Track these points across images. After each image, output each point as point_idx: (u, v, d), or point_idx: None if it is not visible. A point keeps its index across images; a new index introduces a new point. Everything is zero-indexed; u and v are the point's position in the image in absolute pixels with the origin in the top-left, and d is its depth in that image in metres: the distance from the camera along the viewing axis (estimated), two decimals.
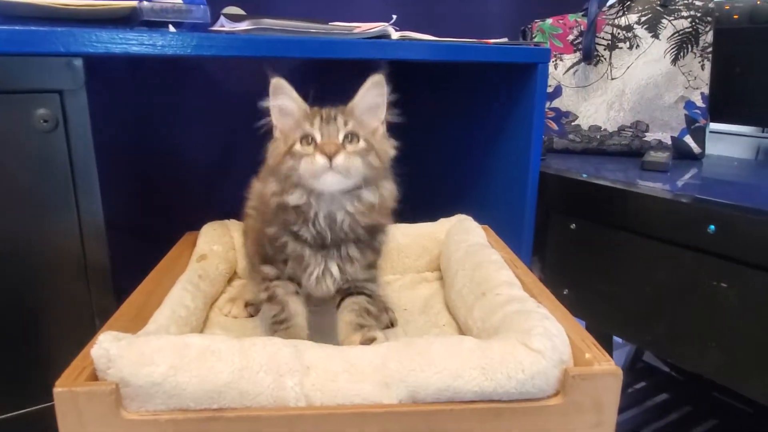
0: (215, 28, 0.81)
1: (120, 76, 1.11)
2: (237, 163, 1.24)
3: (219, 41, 0.69)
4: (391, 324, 0.76)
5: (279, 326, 0.65)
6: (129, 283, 0.67)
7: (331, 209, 0.63)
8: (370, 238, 0.67)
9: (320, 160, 0.59)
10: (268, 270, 0.68)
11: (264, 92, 0.64)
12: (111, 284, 0.68)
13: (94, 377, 0.49)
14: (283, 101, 0.63)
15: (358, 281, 0.68)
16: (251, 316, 0.78)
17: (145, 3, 0.70)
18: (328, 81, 1.30)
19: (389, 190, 0.66)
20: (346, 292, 0.69)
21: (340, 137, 0.61)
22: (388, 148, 0.65)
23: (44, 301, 0.66)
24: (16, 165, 0.62)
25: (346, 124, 0.61)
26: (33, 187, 0.63)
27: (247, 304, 0.78)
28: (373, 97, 0.64)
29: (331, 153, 0.59)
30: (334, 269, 0.66)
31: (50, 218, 0.64)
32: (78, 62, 0.62)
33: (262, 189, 0.67)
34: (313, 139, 0.60)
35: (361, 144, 0.61)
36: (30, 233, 0.64)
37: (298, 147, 0.61)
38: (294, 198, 0.62)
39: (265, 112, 0.65)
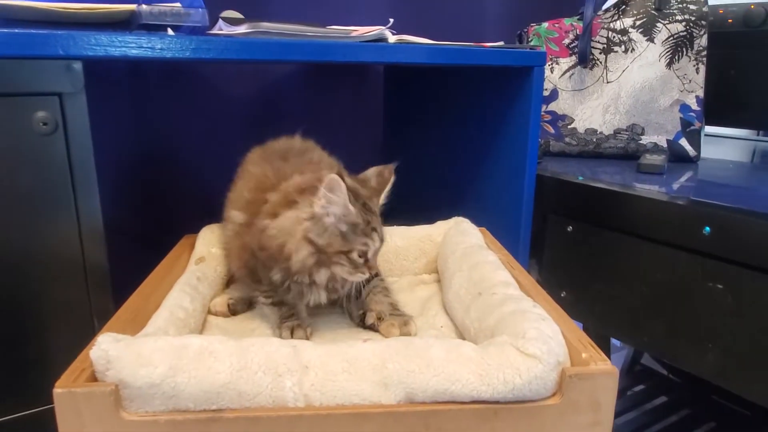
0: (213, 31, 0.81)
1: (119, 80, 1.12)
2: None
3: (217, 44, 0.69)
4: (380, 319, 0.75)
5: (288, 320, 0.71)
6: (128, 286, 0.67)
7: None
8: None
9: (368, 275, 0.69)
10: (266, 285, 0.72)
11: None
12: (110, 286, 0.69)
13: (93, 378, 0.49)
14: (340, 208, 0.64)
15: None
16: (234, 314, 0.77)
17: (144, 6, 0.71)
18: (325, 84, 1.32)
19: None
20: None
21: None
22: None
23: (43, 303, 0.66)
24: (15, 168, 0.62)
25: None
26: (32, 190, 0.63)
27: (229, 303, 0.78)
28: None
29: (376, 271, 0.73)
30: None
31: (49, 221, 0.64)
32: (77, 65, 0.62)
33: (261, 239, 0.68)
34: (365, 257, 0.67)
35: None
36: (29, 236, 0.64)
37: (355, 257, 0.66)
38: (321, 277, 0.67)
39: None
